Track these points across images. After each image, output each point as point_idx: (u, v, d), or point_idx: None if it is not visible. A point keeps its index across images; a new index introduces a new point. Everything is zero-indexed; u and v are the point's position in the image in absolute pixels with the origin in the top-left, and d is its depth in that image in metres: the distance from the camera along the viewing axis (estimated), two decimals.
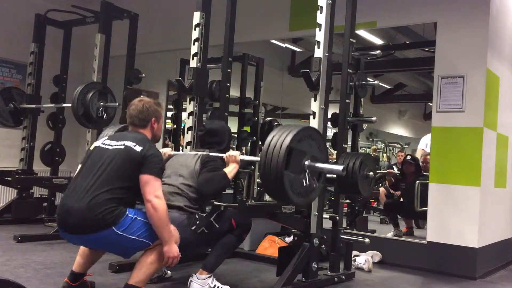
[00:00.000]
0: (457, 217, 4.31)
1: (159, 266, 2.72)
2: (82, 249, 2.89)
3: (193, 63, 4.02)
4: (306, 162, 2.81)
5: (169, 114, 6.48)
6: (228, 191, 6.15)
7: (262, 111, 5.74)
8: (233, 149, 5.91)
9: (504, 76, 4.75)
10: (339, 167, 2.94)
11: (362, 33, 6.41)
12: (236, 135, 5.51)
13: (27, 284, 2.76)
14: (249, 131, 5.47)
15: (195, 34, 3.99)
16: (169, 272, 3.54)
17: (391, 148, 13.71)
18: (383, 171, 8.34)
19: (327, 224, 3.83)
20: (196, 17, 4.00)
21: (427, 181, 4.56)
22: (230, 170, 3.17)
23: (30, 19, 5.85)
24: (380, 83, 10.23)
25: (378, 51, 5.09)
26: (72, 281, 2.85)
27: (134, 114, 2.87)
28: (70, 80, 6.00)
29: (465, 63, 4.36)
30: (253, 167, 5.31)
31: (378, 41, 7.43)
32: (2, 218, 5.49)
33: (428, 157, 5.36)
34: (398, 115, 15.79)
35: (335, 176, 3.55)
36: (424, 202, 4.95)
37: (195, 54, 4.01)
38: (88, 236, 2.58)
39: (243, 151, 6.01)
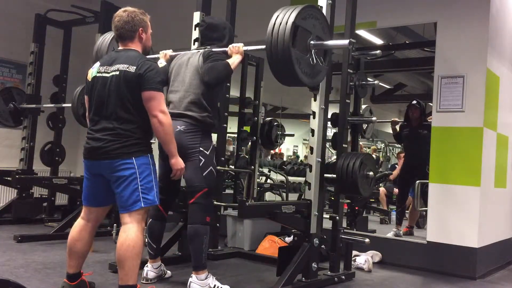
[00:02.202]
0: (457, 217, 4.31)
1: (139, 253, 2.67)
2: (69, 249, 2.87)
3: None
4: (312, 42, 2.80)
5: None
6: (228, 191, 6.16)
7: (262, 111, 5.74)
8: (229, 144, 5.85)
9: (504, 76, 4.75)
10: (345, 41, 2.95)
11: (362, 33, 6.41)
12: (236, 135, 5.51)
13: (27, 284, 2.77)
14: (249, 131, 5.46)
15: (195, 34, 3.99)
16: (169, 272, 3.54)
17: (391, 148, 13.69)
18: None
19: (327, 224, 3.83)
20: (196, 17, 4.00)
21: (427, 181, 4.56)
22: (234, 61, 3.21)
23: (30, 19, 5.85)
24: (380, 83, 10.22)
25: (378, 51, 5.09)
26: (70, 281, 2.86)
27: (120, 25, 2.84)
28: (70, 80, 6.00)
29: (465, 63, 4.36)
30: (253, 167, 5.31)
31: (378, 41, 7.43)
32: (2, 218, 5.49)
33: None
34: (398, 115, 15.79)
35: (335, 176, 3.56)
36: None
37: None
38: (110, 162, 2.66)
39: (243, 151, 6.01)
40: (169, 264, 3.66)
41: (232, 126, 5.68)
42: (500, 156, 4.75)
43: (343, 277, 3.78)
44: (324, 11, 3.44)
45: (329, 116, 3.76)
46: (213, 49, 3.31)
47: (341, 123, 3.84)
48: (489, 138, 4.45)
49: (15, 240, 4.49)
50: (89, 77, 2.85)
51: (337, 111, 3.90)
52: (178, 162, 2.83)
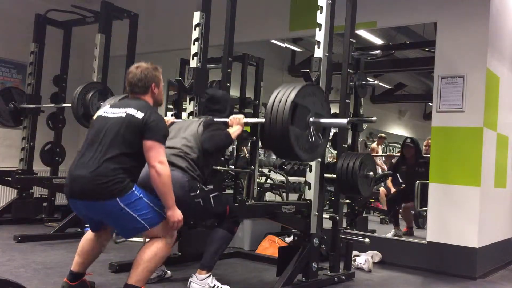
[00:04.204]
0: (457, 217, 4.31)
1: (157, 263, 2.72)
2: (80, 248, 2.89)
3: (193, 63, 4.02)
4: (311, 119, 2.83)
5: (169, 114, 6.46)
6: (228, 191, 6.16)
7: (262, 111, 5.73)
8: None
9: (504, 76, 4.75)
10: (344, 121, 3.00)
11: (362, 33, 6.41)
12: None
13: (27, 284, 2.77)
14: (249, 131, 5.46)
15: (195, 34, 3.99)
16: (169, 272, 3.54)
17: (391, 148, 13.71)
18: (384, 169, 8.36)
19: (327, 224, 3.83)
20: (196, 17, 4.00)
21: (427, 181, 4.56)
22: (234, 131, 3.26)
23: (30, 19, 5.85)
24: (380, 83, 10.24)
25: (378, 51, 5.10)
26: (72, 281, 2.85)
27: (134, 82, 2.85)
28: (70, 80, 6.00)
29: (465, 63, 4.36)
30: (253, 167, 5.31)
31: (378, 41, 7.44)
32: (2, 218, 5.48)
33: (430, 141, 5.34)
34: (398, 115, 15.80)
35: (335, 176, 3.56)
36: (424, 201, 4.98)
37: (195, 54, 4.01)
38: (93, 203, 2.60)
39: (244, 151, 6.01)
40: (169, 264, 3.66)
41: None
42: (500, 156, 4.75)
43: (343, 277, 3.78)
44: (324, 11, 3.45)
45: None
46: (215, 119, 3.36)
47: None
48: (489, 138, 4.45)
49: (15, 240, 4.49)
50: (94, 116, 2.86)
51: (337, 111, 3.89)
52: (175, 214, 2.68)
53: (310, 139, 2.83)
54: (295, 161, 8.11)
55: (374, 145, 9.78)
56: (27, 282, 3.13)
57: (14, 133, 6.18)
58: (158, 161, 2.61)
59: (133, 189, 2.62)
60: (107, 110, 2.81)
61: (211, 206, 3.14)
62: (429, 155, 4.84)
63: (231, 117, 3.36)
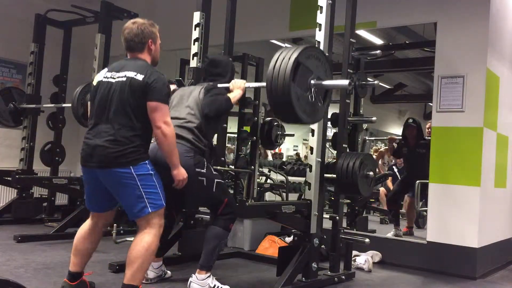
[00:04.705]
0: (457, 217, 4.31)
1: (150, 257, 2.69)
2: (74, 247, 2.87)
3: (193, 63, 4.02)
4: (312, 81, 2.82)
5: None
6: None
7: (262, 111, 5.73)
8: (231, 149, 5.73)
9: (504, 76, 4.75)
10: (345, 82, 3.00)
11: (362, 33, 6.41)
12: (236, 135, 5.51)
13: (27, 284, 2.76)
14: (249, 131, 5.46)
15: (195, 34, 3.99)
16: (169, 272, 3.54)
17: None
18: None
19: (327, 224, 3.83)
20: (196, 17, 4.00)
21: (427, 181, 4.56)
22: (234, 95, 3.28)
23: (30, 19, 5.85)
24: (380, 83, 10.24)
25: (378, 51, 5.09)
26: (71, 281, 2.85)
27: (130, 37, 2.83)
28: (70, 80, 6.00)
29: (465, 63, 4.36)
30: (253, 167, 5.31)
31: (378, 41, 7.44)
32: (2, 218, 5.49)
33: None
34: (398, 115, 15.81)
35: (335, 176, 3.56)
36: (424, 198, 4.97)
37: (195, 54, 4.01)
38: (107, 170, 2.63)
39: (243, 151, 6.01)
40: (169, 264, 3.66)
41: (232, 126, 5.68)
42: (500, 156, 4.75)
43: (343, 277, 3.78)
44: (324, 11, 3.45)
45: (329, 116, 3.76)
46: (216, 84, 3.37)
47: (341, 123, 3.83)
48: (489, 138, 4.45)
49: (15, 240, 4.49)
50: (94, 82, 2.85)
51: (337, 111, 3.89)
52: (180, 173, 2.79)
53: (310, 99, 2.81)
54: (295, 162, 8.12)
55: (382, 149, 9.63)
56: (27, 282, 3.13)
57: (14, 133, 6.18)
58: (163, 121, 2.66)
59: (146, 162, 2.67)
60: (106, 75, 2.80)
61: (212, 190, 3.11)
62: (429, 138, 4.82)
63: (232, 81, 3.37)
